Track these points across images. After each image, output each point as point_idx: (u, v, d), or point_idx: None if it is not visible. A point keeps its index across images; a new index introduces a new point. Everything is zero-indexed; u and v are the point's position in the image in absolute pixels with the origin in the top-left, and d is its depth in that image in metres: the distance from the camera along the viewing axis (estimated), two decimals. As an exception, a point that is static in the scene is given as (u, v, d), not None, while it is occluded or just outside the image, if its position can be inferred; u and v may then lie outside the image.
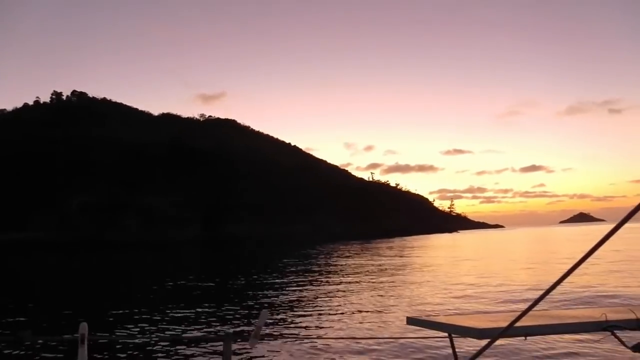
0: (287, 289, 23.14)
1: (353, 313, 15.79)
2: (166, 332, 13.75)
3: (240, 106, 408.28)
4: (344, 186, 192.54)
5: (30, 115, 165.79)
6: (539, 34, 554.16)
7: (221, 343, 3.54)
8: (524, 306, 2.43)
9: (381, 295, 19.67)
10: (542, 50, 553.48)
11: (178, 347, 11.54)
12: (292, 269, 35.53)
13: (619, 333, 2.85)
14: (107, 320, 15.91)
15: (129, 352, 11.44)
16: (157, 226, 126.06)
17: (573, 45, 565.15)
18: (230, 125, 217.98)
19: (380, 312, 15.75)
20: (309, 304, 18.21)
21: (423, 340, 10.16)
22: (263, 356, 10.48)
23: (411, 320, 3.48)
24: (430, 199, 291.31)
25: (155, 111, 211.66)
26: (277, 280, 27.40)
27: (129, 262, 56.43)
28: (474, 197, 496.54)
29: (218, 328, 14.00)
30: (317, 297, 19.80)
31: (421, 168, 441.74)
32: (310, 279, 28.04)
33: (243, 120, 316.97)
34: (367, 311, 15.98)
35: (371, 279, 26.72)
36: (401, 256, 48.46)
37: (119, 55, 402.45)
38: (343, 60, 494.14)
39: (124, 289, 27.88)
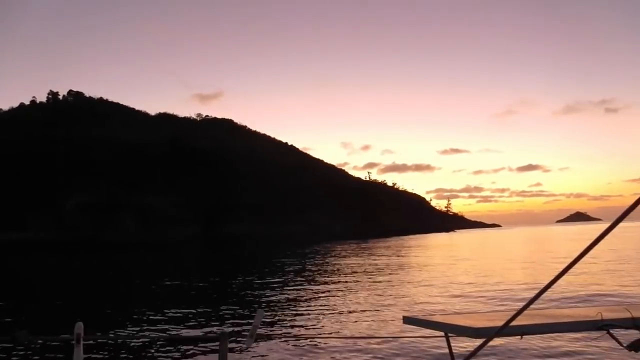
0: (283, 288, 23.13)
1: (349, 312, 15.79)
2: (162, 332, 13.72)
3: (237, 106, 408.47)
4: (341, 186, 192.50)
5: (27, 115, 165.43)
6: (536, 34, 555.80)
7: (217, 342, 3.53)
8: (520, 305, 2.43)
9: (378, 295, 19.67)
10: (539, 50, 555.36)
11: (174, 347, 11.52)
12: (288, 269, 35.53)
13: (614, 332, 2.85)
14: (103, 319, 15.88)
15: (125, 351, 11.41)
16: (155, 226, 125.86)
17: (570, 45, 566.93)
18: (227, 125, 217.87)
19: (376, 311, 15.75)
20: (305, 303, 18.21)
21: (420, 339, 10.17)
22: (259, 356, 10.47)
23: (408, 320, 3.48)
24: (427, 199, 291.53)
25: (153, 111, 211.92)
26: (273, 280, 27.39)
27: (127, 262, 56.32)
28: (471, 197, 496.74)
29: (214, 327, 13.99)
30: (314, 297, 19.79)
31: (418, 167, 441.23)
32: (307, 278, 28.03)
33: (240, 120, 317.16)
34: (364, 311, 15.98)
35: (368, 278, 26.72)
36: (398, 256, 48.48)
37: (115, 55, 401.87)
38: (340, 60, 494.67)
39: (121, 288, 27.83)
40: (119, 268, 47.41)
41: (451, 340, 3.46)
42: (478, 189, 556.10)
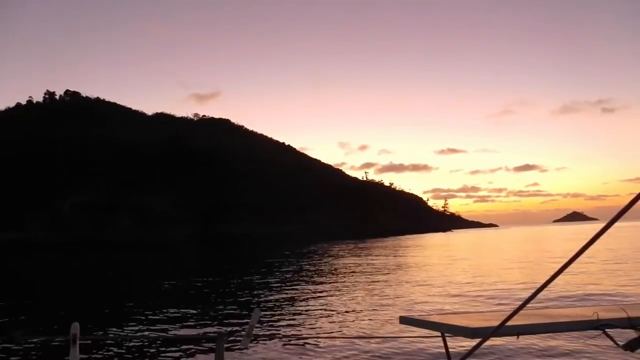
0: (280, 288, 23.12)
1: (346, 312, 15.79)
2: (159, 332, 13.70)
3: (234, 106, 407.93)
4: (338, 186, 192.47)
5: (24, 114, 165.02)
6: (533, 35, 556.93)
7: (214, 342, 3.53)
8: (517, 305, 2.43)
9: (375, 295, 19.68)
10: (536, 50, 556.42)
11: (171, 347, 11.51)
12: (285, 268, 35.52)
13: (610, 332, 2.86)
14: (99, 320, 15.85)
15: (121, 351, 11.39)
16: (152, 226, 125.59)
17: (567, 45, 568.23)
18: (224, 125, 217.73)
19: (373, 311, 15.75)
20: (302, 303, 18.21)
21: (416, 339, 10.18)
22: (256, 355, 10.47)
23: (404, 320, 3.48)
24: (424, 199, 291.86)
25: (150, 111, 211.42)
26: (270, 280, 27.38)
27: (126, 262, 56.24)
28: (468, 197, 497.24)
29: (211, 327, 13.97)
30: (310, 297, 19.79)
31: (415, 167, 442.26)
32: (304, 278, 28.03)
33: (237, 120, 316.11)
34: (361, 310, 15.99)
35: (364, 278, 26.73)
36: (395, 255, 48.52)
37: (112, 54, 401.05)
38: (337, 61, 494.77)
39: (119, 288, 27.78)
40: (117, 268, 47.32)
41: (448, 340, 3.46)
42: (475, 189, 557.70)
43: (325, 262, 41.45)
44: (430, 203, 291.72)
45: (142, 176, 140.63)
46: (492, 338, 2.72)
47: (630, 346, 2.73)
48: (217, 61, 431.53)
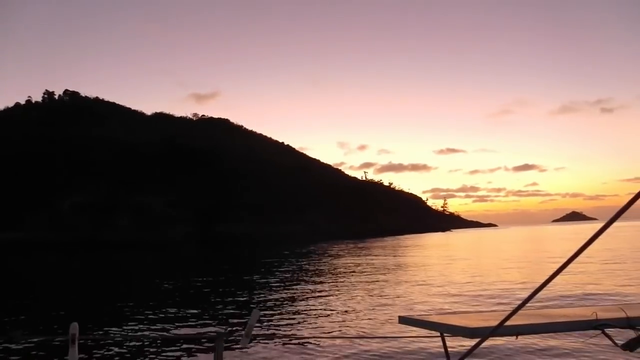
0: (279, 288, 23.12)
1: (345, 312, 15.78)
2: (158, 332, 13.70)
3: (234, 106, 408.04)
4: (337, 185, 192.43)
5: (23, 114, 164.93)
6: (532, 34, 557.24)
7: (213, 342, 3.53)
8: (516, 305, 2.43)
9: (374, 295, 19.68)
10: (535, 50, 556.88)
11: (170, 347, 11.50)
12: (284, 268, 35.52)
13: (609, 331, 2.86)
14: (98, 319, 15.84)
15: (120, 351, 11.39)
16: (152, 226, 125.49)
17: (566, 45, 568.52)
18: (223, 125, 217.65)
19: (372, 311, 15.75)
20: (301, 303, 18.20)
21: (415, 339, 10.17)
22: (255, 355, 10.47)
23: (403, 320, 3.48)
24: (424, 198, 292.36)
25: (149, 110, 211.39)
26: (269, 280, 27.38)
27: (125, 261, 56.21)
28: (467, 196, 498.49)
29: (210, 327, 13.97)
30: (309, 297, 19.79)
31: (414, 167, 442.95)
32: (303, 278, 28.03)
33: (236, 119, 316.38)
34: (360, 310, 15.98)
35: (364, 278, 26.74)
36: (394, 255, 48.53)
37: (111, 54, 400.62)
38: (336, 60, 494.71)
39: (118, 288, 27.76)
40: (117, 268, 47.30)
41: (447, 340, 3.46)
42: (474, 189, 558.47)
43: (324, 262, 41.45)
44: (430, 203, 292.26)
45: (141, 176, 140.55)
46: (491, 338, 2.72)
47: (629, 346, 2.73)
48: (217, 61, 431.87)
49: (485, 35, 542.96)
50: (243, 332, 3.55)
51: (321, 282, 25.16)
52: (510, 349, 9.61)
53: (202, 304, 18.49)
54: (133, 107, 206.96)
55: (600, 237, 1.91)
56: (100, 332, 13.66)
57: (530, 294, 2.21)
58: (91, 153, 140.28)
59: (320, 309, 16.53)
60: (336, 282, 25.17)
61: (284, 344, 11.57)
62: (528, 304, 2.31)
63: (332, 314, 15.64)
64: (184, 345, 11.42)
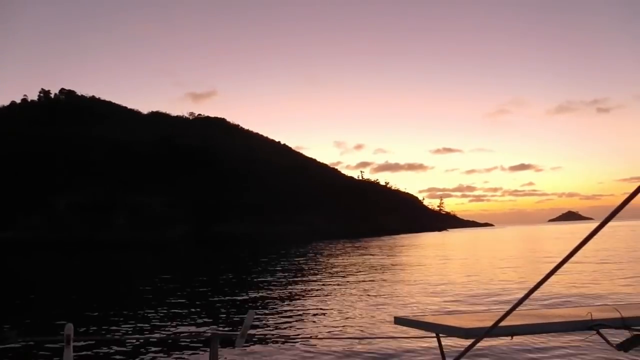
0: (275, 288, 23.10)
1: (341, 313, 15.77)
2: (152, 332, 13.67)
3: (230, 105, 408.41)
4: (333, 185, 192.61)
5: (19, 113, 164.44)
6: (529, 34, 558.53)
7: (208, 342, 3.51)
8: (511, 305, 2.42)
9: (369, 295, 19.67)
10: (531, 50, 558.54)
11: (164, 347, 11.47)
12: (280, 268, 35.50)
13: (604, 332, 2.86)
14: (93, 320, 15.79)
15: (115, 352, 11.35)
16: (148, 225, 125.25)
17: (562, 45, 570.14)
18: (220, 124, 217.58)
19: (368, 311, 15.75)
20: (297, 303, 18.19)
21: (411, 339, 10.18)
22: (250, 356, 10.45)
23: (399, 320, 3.47)
24: (420, 198, 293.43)
25: (145, 110, 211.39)
26: (265, 280, 27.35)
27: (121, 262, 56.10)
28: (464, 196, 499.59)
29: (205, 328, 13.94)
30: (305, 297, 19.78)
31: (411, 167, 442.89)
32: (299, 278, 28.02)
33: (233, 119, 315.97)
34: (355, 311, 15.98)
35: (360, 278, 26.74)
36: (390, 255, 48.55)
37: (108, 53, 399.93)
38: (333, 60, 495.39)
39: (114, 289, 27.71)
40: (113, 268, 47.20)
41: (443, 340, 3.46)
42: (471, 188, 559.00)
43: (320, 262, 41.45)
44: (426, 202, 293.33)
45: (138, 175, 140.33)
46: (486, 338, 2.71)
47: (624, 346, 2.73)
48: (213, 60, 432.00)
49: (482, 35, 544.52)
50: (238, 333, 3.53)
51: (316, 282, 25.14)
52: (505, 349, 9.62)
53: (198, 304, 18.47)
54: (129, 106, 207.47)
55: (596, 236, 1.91)
56: (96, 333, 13.63)
57: (525, 294, 2.21)
58: (87, 152, 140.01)
59: (316, 310, 16.52)
60: (331, 282, 25.15)
61: (279, 344, 11.55)
62: (523, 304, 2.30)
63: (327, 314, 15.63)
64: (179, 346, 11.40)
